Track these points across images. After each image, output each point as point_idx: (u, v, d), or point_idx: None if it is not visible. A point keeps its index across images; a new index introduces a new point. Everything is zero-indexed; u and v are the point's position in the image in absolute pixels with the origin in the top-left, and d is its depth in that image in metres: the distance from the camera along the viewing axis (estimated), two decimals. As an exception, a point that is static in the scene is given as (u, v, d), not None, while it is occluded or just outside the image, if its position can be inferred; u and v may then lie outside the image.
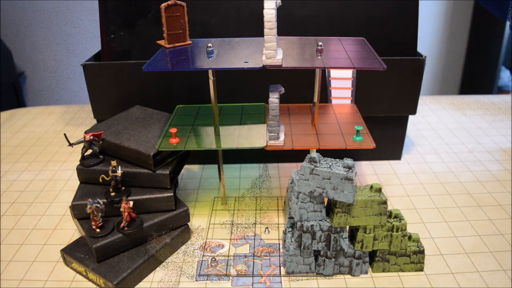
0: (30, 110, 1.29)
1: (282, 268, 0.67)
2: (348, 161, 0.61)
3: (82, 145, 0.73)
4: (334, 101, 0.89)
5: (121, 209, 0.66)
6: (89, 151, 0.74)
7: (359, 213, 0.62)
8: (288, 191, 0.69)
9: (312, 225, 0.62)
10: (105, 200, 0.69)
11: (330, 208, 0.64)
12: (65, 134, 0.76)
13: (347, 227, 0.65)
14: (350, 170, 0.60)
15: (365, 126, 0.76)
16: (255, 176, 0.91)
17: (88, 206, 0.64)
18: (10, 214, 0.82)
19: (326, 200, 0.64)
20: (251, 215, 0.80)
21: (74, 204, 0.69)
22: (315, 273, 0.66)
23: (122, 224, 0.66)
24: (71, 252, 0.67)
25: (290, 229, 0.67)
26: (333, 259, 0.65)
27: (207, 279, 0.66)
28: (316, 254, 0.66)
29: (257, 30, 0.83)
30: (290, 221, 0.68)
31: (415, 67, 0.86)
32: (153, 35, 0.88)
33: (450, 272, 0.66)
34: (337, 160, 0.62)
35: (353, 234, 0.65)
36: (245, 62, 0.66)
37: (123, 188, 0.71)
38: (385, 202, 0.62)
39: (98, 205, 0.65)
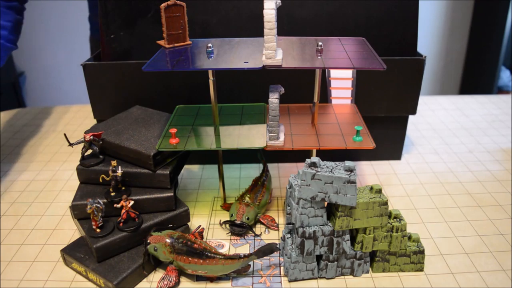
0: (30, 110, 1.29)
1: (281, 268, 0.67)
2: (349, 163, 0.60)
3: (82, 145, 0.73)
4: (334, 101, 0.89)
5: (118, 205, 0.66)
6: (89, 151, 0.74)
7: (361, 215, 0.61)
8: (287, 196, 0.68)
9: (314, 231, 0.62)
10: (105, 200, 0.69)
11: (331, 211, 0.64)
12: (65, 134, 0.76)
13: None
14: (352, 173, 0.59)
15: (365, 126, 0.76)
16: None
17: (88, 206, 0.64)
18: (10, 214, 0.82)
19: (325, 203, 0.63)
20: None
21: (74, 204, 0.69)
22: (317, 278, 0.66)
23: (118, 219, 0.67)
24: (71, 252, 0.67)
25: (289, 235, 0.67)
26: (335, 262, 0.64)
27: (207, 279, 0.66)
28: (318, 258, 0.65)
29: (257, 30, 0.83)
30: (288, 227, 0.68)
31: (415, 67, 0.86)
32: (153, 35, 0.88)
33: (450, 272, 0.66)
34: (337, 163, 0.62)
35: (352, 235, 0.65)
36: (245, 62, 0.66)
37: (123, 188, 0.71)
38: (386, 203, 0.61)
39: (98, 205, 0.65)
